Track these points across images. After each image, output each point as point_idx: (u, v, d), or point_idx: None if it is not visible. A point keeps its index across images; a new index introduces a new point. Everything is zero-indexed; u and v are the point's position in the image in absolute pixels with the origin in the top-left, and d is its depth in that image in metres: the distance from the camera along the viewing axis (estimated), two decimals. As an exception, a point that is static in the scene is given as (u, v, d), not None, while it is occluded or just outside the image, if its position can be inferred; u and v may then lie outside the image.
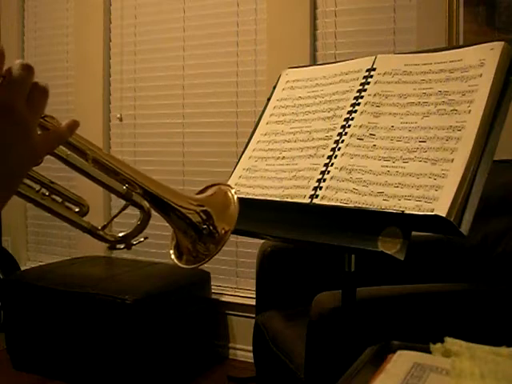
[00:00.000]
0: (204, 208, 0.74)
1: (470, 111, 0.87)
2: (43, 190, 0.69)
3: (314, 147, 1.02)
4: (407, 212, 0.82)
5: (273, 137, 1.12)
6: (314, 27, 2.47)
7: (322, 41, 2.47)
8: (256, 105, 2.58)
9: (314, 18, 2.47)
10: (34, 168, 0.65)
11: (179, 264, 0.77)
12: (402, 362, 0.51)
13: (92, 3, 2.97)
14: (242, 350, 2.60)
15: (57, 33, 3.14)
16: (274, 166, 1.07)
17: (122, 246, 0.75)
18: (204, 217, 0.74)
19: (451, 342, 0.54)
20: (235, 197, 0.76)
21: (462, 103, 0.89)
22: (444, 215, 0.79)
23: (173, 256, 0.78)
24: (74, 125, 0.62)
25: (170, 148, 2.80)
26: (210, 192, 0.79)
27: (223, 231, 0.75)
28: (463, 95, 0.90)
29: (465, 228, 0.79)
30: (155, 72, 2.86)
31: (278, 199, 1.00)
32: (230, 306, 2.65)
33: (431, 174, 0.85)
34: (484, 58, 0.90)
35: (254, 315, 1.94)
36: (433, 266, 1.74)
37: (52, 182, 0.70)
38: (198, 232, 0.75)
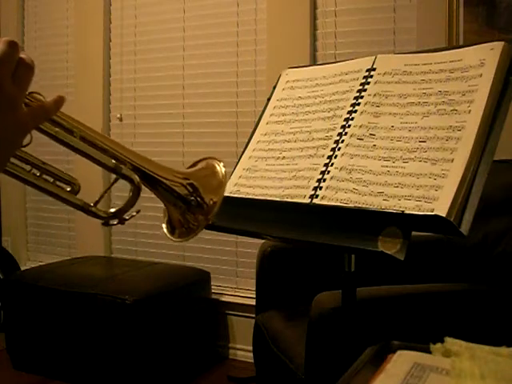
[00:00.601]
0: (190, 181, 0.79)
1: (470, 111, 0.87)
2: (34, 171, 0.72)
3: (314, 147, 1.02)
4: (407, 212, 0.82)
5: (273, 137, 1.12)
6: (314, 27, 2.47)
7: (321, 41, 2.47)
8: (256, 105, 2.58)
9: (314, 18, 2.47)
10: (26, 150, 0.67)
11: (172, 238, 0.82)
12: (401, 362, 0.51)
13: (92, 3, 2.97)
14: (242, 350, 2.60)
15: (57, 33, 3.14)
16: (274, 166, 1.07)
17: (116, 222, 0.78)
18: (190, 189, 0.79)
19: (451, 342, 0.54)
20: (223, 170, 0.81)
21: (462, 103, 0.89)
22: (444, 215, 0.79)
23: (165, 230, 0.82)
24: (60, 100, 0.64)
25: (170, 148, 2.80)
26: (198, 166, 0.84)
27: (211, 202, 0.79)
28: (463, 95, 0.90)
29: (465, 228, 0.79)
30: (155, 72, 2.86)
31: (278, 199, 1.00)
32: (230, 306, 2.65)
33: (431, 174, 0.85)
34: (484, 57, 0.90)
35: (254, 315, 1.94)
36: (433, 266, 1.74)
37: (43, 163, 0.73)
38: (186, 203, 0.79)
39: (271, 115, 1.17)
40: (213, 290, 2.64)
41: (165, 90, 2.84)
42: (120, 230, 2.99)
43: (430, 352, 0.53)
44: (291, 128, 1.10)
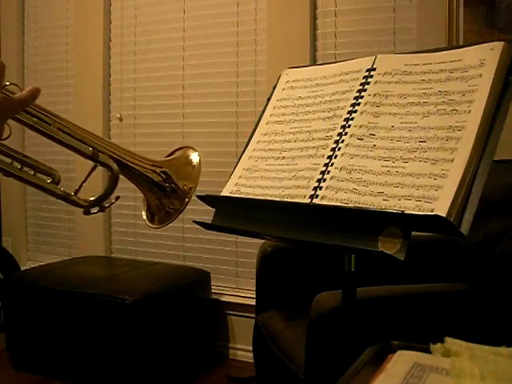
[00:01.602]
0: (163, 169, 0.86)
1: (470, 111, 0.87)
2: (15, 164, 0.75)
3: (313, 147, 1.02)
4: (407, 212, 0.82)
5: (273, 137, 1.12)
6: (314, 27, 2.47)
7: (321, 41, 2.47)
8: (256, 105, 2.58)
9: (314, 18, 2.47)
10: (6, 143, 0.70)
11: (152, 226, 0.88)
12: (401, 362, 0.51)
13: (92, 3, 2.97)
14: (242, 350, 2.60)
15: (57, 33, 3.14)
16: (274, 166, 1.07)
17: (96, 210, 0.82)
18: (163, 176, 0.85)
19: (451, 342, 0.54)
20: (197, 158, 0.89)
21: (462, 103, 0.89)
22: (444, 215, 0.79)
23: (144, 217, 0.88)
24: (36, 91, 0.69)
25: (170, 148, 2.79)
26: (174, 155, 0.91)
27: (186, 188, 0.86)
28: (463, 95, 0.90)
29: (465, 228, 0.79)
30: (155, 72, 2.87)
31: (278, 199, 1.00)
32: (230, 306, 2.65)
33: (431, 174, 0.85)
34: (484, 57, 0.90)
35: (254, 315, 1.94)
36: (433, 266, 1.74)
37: (24, 156, 0.77)
38: (161, 189, 0.85)
39: (271, 115, 1.16)
40: (213, 290, 2.64)
41: (165, 90, 2.84)
42: (120, 230, 2.99)
43: (430, 352, 0.53)
44: (291, 128, 1.10)
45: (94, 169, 0.81)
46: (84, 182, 0.82)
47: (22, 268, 3.03)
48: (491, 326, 1.35)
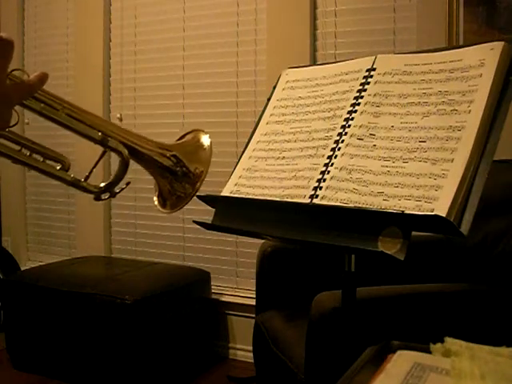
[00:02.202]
0: (173, 152, 0.84)
1: (470, 111, 0.87)
2: (24, 151, 0.74)
3: (313, 147, 1.02)
4: (407, 212, 0.82)
5: (273, 137, 1.12)
6: (314, 27, 2.47)
7: (321, 41, 2.47)
8: (256, 105, 2.58)
9: (314, 18, 2.47)
10: (16, 131, 0.68)
11: (164, 211, 0.86)
12: (401, 361, 0.51)
13: (92, 3, 2.97)
14: (242, 350, 2.60)
15: (57, 33, 3.14)
16: (274, 166, 1.07)
17: (107, 196, 0.81)
18: (174, 160, 0.84)
19: (451, 342, 0.54)
20: (208, 141, 0.87)
21: (462, 103, 0.89)
22: (444, 215, 0.79)
23: (156, 203, 0.86)
24: (43, 77, 0.67)
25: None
26: (184, 139, 0.89)
27: (198, 171, 0.85)
28: (463, 95, 0.90)
29: (465, 228, 0.79)
30: (155, 72, 2.87)
31: (278, 199, 1.00)
32: (230, 306, 2.65)
33: (431, 174, 0.85)
34: (484, 58, 0.90)
35: (254, 315, 1.94)
36: (433, 266, 1.74)
37: (33, 143, 0.76)
38: (172, 173, 0.84)
39: (271, 115, 1.16)
40: (213, 290, 2.64)
41: (165, 90, 2.84)
42: (120, 230, 2.99)
43: (430, 352, 0.53)
44: (291, 128, 1.10)
45: (103, 154, 0.80)
46: (94, 167, 0.81)
47: (22, 268, 3.03)
48: (491, 325, 1.35)
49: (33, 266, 2.99)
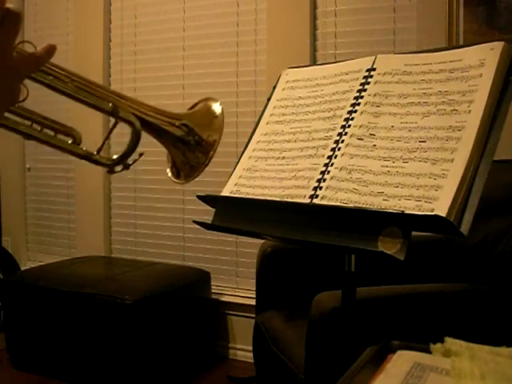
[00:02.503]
0: (183, 121, 0.83)
1: (470, 111, 0.87)
2: (35, 126, 0.73)
3: (313, 147, 1.02)
4: (407, 212, 0.82)
5: (273, 137, 1.12)
6: (314, 27, 2.47)
7: (321, 41, 2.47)
8: (256, 105, 2.58)
9: (314, 18, 2.47)
10: (25, 105, 0.69)
11: (178, 181, 0.85)
12: (401, 361, 0.51)
13: (92, 3, 2.97)
14: (242, 350, 2.60)
15: (57, 33, 3.14)
16: (274, 166, 1.07)
17: (120, 168, 0.80)
18: (185, 129, 0.82)
19: (451, 342, 0.54)
20: (219, 108, 0.86)
21: (462, 103, 0.89)
22: (444, 215, 0.79)
23: (170, 174, 0.85)
24: (52, 49, 0.67)
25: (170, 148, 2.80)
26: (195, 107, 0.88)
27: (211, 139, 0.83)
28: (463, 95, 0.90)
29: (465, 228, 0.79)
30: (155, 72, 2.86)
31: (278, 199, 1.00)
32: (230, 306, 2.65)
33: (431, 174, 0.85)
34: (484, 57, 0.90)
35: (254, 315, 1.94)
36: (433, 266, 1.74)
37: (43, 117, 0.75)
38: (184, 143, 0.82)
39: (271, 115, 1.16)
40: (213, 290, 2.64)
41: (165, 90, 2.84)
42: (120, 230, 2.99)
43: (430, 352, 0.53)
44: (291, 128, 1.10)
45: (115, 126, 0.79)
46: (106, 139, 0.80)
47: (22, 268, 3.03)
48: (491, 325, 1.35)
49: (33, 265, 2.99)
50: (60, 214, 3.14)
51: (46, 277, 2.43)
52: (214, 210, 1.07)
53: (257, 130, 1.17)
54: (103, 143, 0.79)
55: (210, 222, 1.05)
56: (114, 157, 0.79)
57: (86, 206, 2.97)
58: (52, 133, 0.75)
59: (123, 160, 0.79)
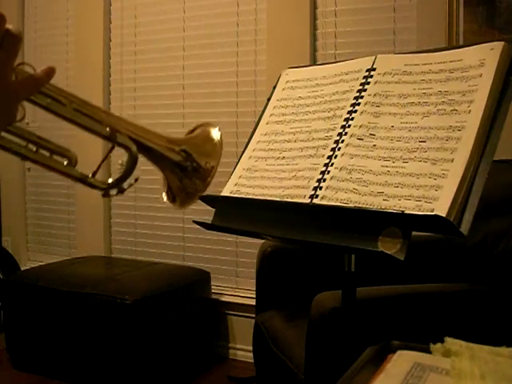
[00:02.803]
0: (183, 147, 0.81)
1: (470, 111, 0.87)
2: (31, 146, 0.73)
3: (313, 147, 1.02)
4: (407, 212, 0.82)
5: (273, 137, 1.12)
6: (314, 27, 2.47)
7: (322, 41, 2.47)
8: (256, 105, 2.58)
9: (314, 18, 2.47)
10: (20, 125, 0.68)
11: (173, 206, 0.84)
12: (401, 361, 0.51)
13: (92, 3, 2.97)
14: (242, 350, 2.60)
15: (57, 33, 3.14)
16: (274, 166, 1.07)
17: (115, 192, 0.79)
18: (184, 155, 0.81)
19: (451, 342, 0.54)
20: (219, 134, 0.84)
21: (462, 103, 0.89)
22: (444, 215, 0.79)
23: (165, 199, 0.84)
24: (51, 71, 0.66)
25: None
26: (194, 133, 0.86)
27: (208, 166, 0.82)
28: (463, 95, 0.90)
29: (465, 228, 0.79)
30: (155, 72, 2.86)
31: (278, 199, 1.00)
32: (230, 306, 2.65)
33: (431, 174, 0.85)
34: (484, 57, 0.90)
35: (254, 315, 1.94)
36: (433, 266, 1.74)
37: (39, 138, 0.74)
38: (182, 169, 0.81)
39: (271, 115, 1.16)
40: (213, 290, 2.64)
41: (165, 90, 2.84)
42: (120, 230, 2.99)
43: (430, 352, 0.53)
44: (291, 128, 1.10)
45: (111, 150, 0.78)
46: (102, 162, 0.80)
47: (22, 268, 3.03)
48: (491, 325, 1.35)
49: (33, 265, 2.99)
50: (60, 214, 3.14)
51: (46, 277, 2.43)
52: (213, 209, 1.07)
53: (257, 130, 1.17)
54: (98, 167, 0.78)
55: (209, 222, 1.05)
56: (110, 180, 0.79)
57: (85, 205, 2.97)
58: (47, 153, 0.75)
59: (118, 184, 0.79)
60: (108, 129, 0.74)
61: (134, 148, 0.76)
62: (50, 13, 3.16)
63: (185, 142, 0.83)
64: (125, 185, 0.79)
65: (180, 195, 0.84)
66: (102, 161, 0.79)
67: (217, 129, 0.84)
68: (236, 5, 2.65)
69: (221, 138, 0.84)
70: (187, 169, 0.81)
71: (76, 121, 0.72)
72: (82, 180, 0.77)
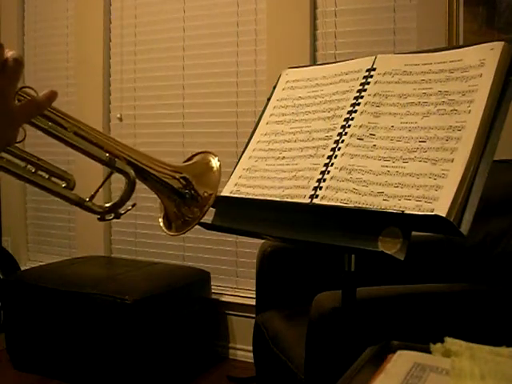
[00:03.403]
0: (183, 174, 0.81)
1: (470, 111, 0.87)
2: (29, 167, 0.73)
3: (314, 147, 1.02)
4: (407, 212, 0.82)
5: (273, 137, 1.12)
6: (314, 27, 2.47)
7: (322, 41, 2.47)
8: (256, 105, 2.58)
9: (314, 18, 2.47)
10: (20, 146, 0.68)
11: (169, 233, 0.83)
12: (402, 361, 0.51)
13: (92, 3, 2.97)
14: (242, 350, 2.60)
15: (57, 33, 3.14)
16: (274, 166, 1.07)
17: (112, 217, 0.79)
18: (183, 182, 0.81)
19: (451, 342, 0.54)
20: (218, 163, 0.84)
21: (462, 103, 0.89)
22: (444, 215, 0.79)
23: (162, 224, 0.84)
24: (52, 95, 0.66)
25: (170, 148, 2.80)
26: (193, 160, 0.86)
27: (206, 194, 0.82)
28: (463, 95, 0.90)
29: (465, 228, 0.79)
30: (155, 72, 2.86)
31: (278, 199, 1.00)
32: (230, 306, 2.65)
33: (431, 173, 0.85)
34: (484, 57, 0.90)
35: (254, 315, 1.94)
36: (433, 266, 1.74)
37: (38, 159, 0.74)
38: (180, 196, 0.81)
39: (271, 115, 1.16)
40: (213, 290, 2.64)
41: (165, 90, 2.84)
42: (120, 230, 2.99)
43: (430, 352, 0.53)
44: (291, 128, 1.10)
45: (110, 175, 0.78)
46: (100, 187, 0.79)
47: (22, 268, 3.03)
48: (491, 325, 1.35)
49: (33, 265, 2.99)
50: (60, 214, 3.14)
51: (46, 277, 2.43)
52: (213, 209, 1.07)
53: (257, 130, 1.17)
54: (96, 191, 0.78)
55: (210, 222, 1.05)
56: (107, 205, 0.79)
57: (86, 206, 2.96)
58: (46, 175, 0.75)
59: (115, 209, 0.79)
60: (107, 154, 0.74)
61: (132, 173, 0.76)
62: (50, 13, 3.16)
63: (185, 169, 0.83)
64: (122, 210, 0.79)
65: (176, 222, 0.83)
66: (100, 185, 0.80)
67: (216, 158, 0.85)
68: (236, 5, 2.65)
69: (219, 167, 0.84)
70: (185, 196, 0.81)
71: (76, 145, 0.72)
72: (79, 203, 0.77)
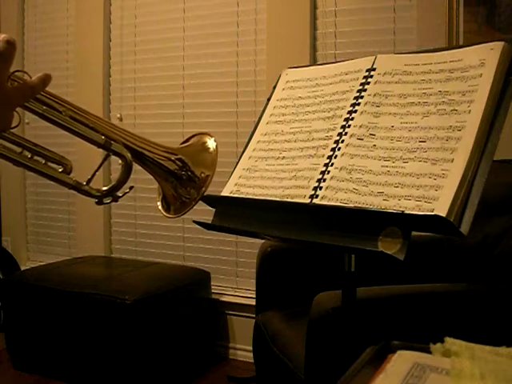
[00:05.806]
0: (178, 156, 0.81)
1: (470, 111, 0.87)
2: (26, 153, 0.73)
3: (313, 147, 1.02)
4: (407, 212, 0.82)
5: (273, 137, 1.12)
6: (314, 27, 2.47)
7: (322, 41, 2.47)
8: (256, 105, 2.58)
9: (314, 17, 2.47)
10: (16, 132, 0.68)
11: (168, 215, 0.83)
12: (401, 361, 0.51)
13: (92, 3, 2.97)
14: (242, 350, 2.60)
15: (57, 33, 3.14)
16: (274, 166, 1.07)
17: (109, 200, 0.79)
18: (180, 163, 0.81)
19: (451, 342, 0.54)
20: (214, 144, 0.84)
21: (462, 103, 0.89)
22: (444, 215, 0.79)
23: (160, 207, 0.84)
24: (46, 78, 0.66)
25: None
26: (189, 142, 0.86)
27: (203, 175, 0.82)
28: (463, 95, 0.89)
29: (465, 228, 0.79)
30: (155, 72, 2.87)
31: (278, 199, 1.00)
32: (230, 306, 2.65)
33: (431, 174, 0.85)
34: (484, 58, 0.90)
35: (254, 315, 1.94)
36: (433, 266, 1.74)
37: (35, 145, 0.74)
38: (177, 178, 0.81)
39: (271, 115, 1.16)
40: (213, 290, 2.64)
41: (165, 90, 2.84)
42: (120, 230, 2.99)
43: (430, 352, 0.53)
44: (291, 128, 1.10)
45: (106, 158, 0.78)
46: (96, 171, 0.79)
47: (22, 268, 3.03)
48: (491, 325, 1.35)
49: (33, 265, 2.99)
50: (60, 214, 3.14)
51: (46, 277, 2.43)
52: (213, 209, 1.07)
53: (257, 130, 1.17)
54: (93, 175, 0.78)
55: (209, 222, 1.05)
56: (104, 188, 0.78)
57: (85, 205, 2.96)
58: (42, 160, 0.75)
59: (113, 192, 0.78)
60: (103, 137, 0.74)
61: (128, 156, 0.76)
62: (50, 13, 3.16)
63: (181, 151, 0.84)
64: (119, 193, 0.78)
65: (175, 204, 0.83)
66: (97, 169, 0.79)
67: (212, 139, 0.84)
68: (236, 5, 2.65)
69: (216, 148, 0.84)
70: (182, 178, 0.81)
71: (71, 128, 0.72)
72: (76, 187, 0.77)
